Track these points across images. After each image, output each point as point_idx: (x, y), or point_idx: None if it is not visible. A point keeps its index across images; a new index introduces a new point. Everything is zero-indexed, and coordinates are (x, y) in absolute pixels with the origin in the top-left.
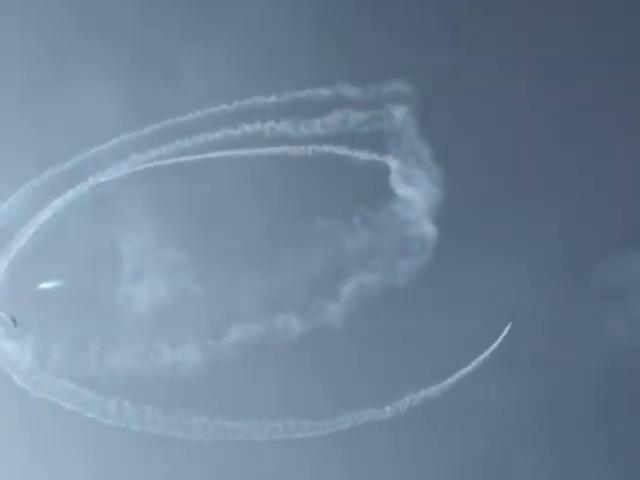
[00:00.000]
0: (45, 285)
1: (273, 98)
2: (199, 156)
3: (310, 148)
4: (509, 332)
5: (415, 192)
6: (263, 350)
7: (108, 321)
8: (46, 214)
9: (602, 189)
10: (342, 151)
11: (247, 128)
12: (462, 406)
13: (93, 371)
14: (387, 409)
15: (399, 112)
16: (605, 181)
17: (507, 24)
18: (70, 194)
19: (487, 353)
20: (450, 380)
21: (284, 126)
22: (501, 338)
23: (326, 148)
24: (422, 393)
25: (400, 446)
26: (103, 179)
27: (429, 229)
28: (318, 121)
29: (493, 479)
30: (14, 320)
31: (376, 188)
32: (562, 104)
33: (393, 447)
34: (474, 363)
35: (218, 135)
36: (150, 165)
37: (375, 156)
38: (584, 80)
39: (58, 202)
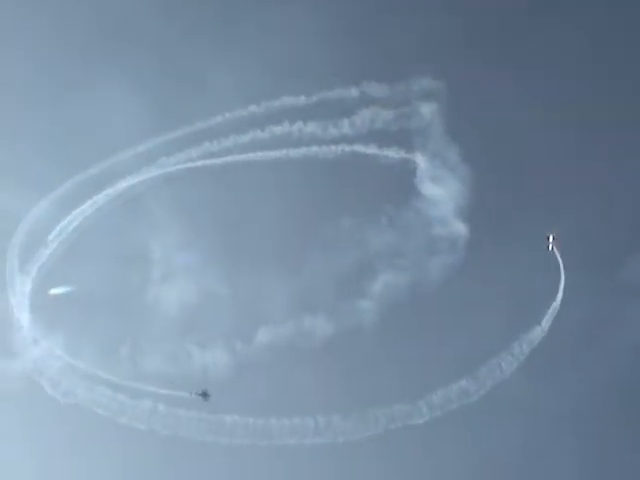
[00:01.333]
0: (56, 291)
1: (302, 98)
2: (227, 158)
3: (338, 148)
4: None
5: (443, 190)
6: (292, 351)
7: (139, 323)
8: (76, 217)
9: (630, 188)
10: (370, 150)
11: (276, 130)
12: (497, 405)
13: (125, 373)
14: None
15: (427, 109)
16: (634, 180)
17: (541, 23)
18: (99, 198)
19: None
20: (482, 378)
21: (312, 127)
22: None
23: (354, 148)
24: (454, 389)
25: (432, 446)
26: None
27: (458, 227)
28: (346, 121)
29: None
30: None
31: (404, 186)
32: (594, 104)
33: (426, 446)
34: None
35: (246, 138)
36: (179, 168)
37: (403, 154)
38: (615, 82)
39: (87, 206)
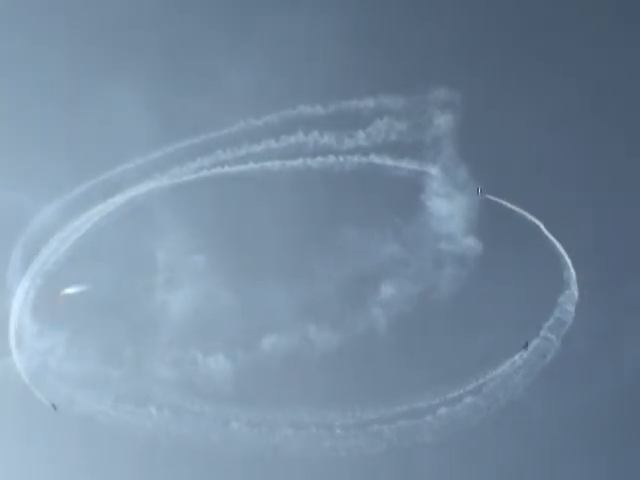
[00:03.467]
0: (70, 291)
1: (318, 108)
2: (239, 167)
3: (350, 159)
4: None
5: (454, 203)
6: (295, 360)
7: (143, 328)
8: (84, 221)
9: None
10: (383, 161)
11: (288, 139)
12: (506, 419)
13: (127, 377)
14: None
15: (443, 121)
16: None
17: (564, 36)
18: (108, 203)
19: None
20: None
21: (326, 137)
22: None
23: (367, 159)
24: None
25: (440, 462)
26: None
27: (468, 242)
28: (360, 131)
29: None
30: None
31: (415, 198)
32: (616, 121)
33: (434, 462)
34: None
35: (259, 147)
36: (190, 176)
37: (416, 165)
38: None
39: (96, 210)
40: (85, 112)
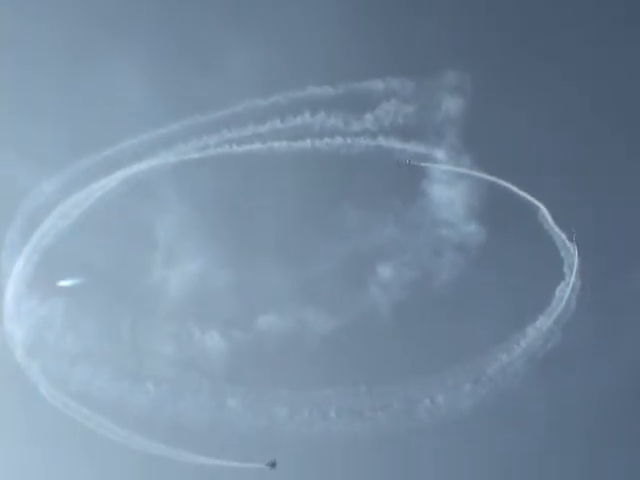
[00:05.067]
0: (65, 283)
1: (327, 89)
2: (242, 147)
3: (356, 141)
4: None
5: (458, 187)
6: (291, 341)
7: (141, 302)
8: (85, 195)
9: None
10: (390, 144)
11: (294, 120)
12: (506, 409)
13: (123, 353)
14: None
15: (452, 104)
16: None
17: (576, 20)
18: (110, 178)
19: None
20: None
21: (333, 118)
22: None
23: (373, 141)
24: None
25: (437, 449)
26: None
27: (470, 226)
28: (368, 114)
29: None
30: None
31: (419, 181)
32: (626, 110)
33: (429, 449)
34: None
35: (264, 127)
36: (193, 154)
37: (422, 148)
38: None
39: (98, 185)
40: (90, 89)
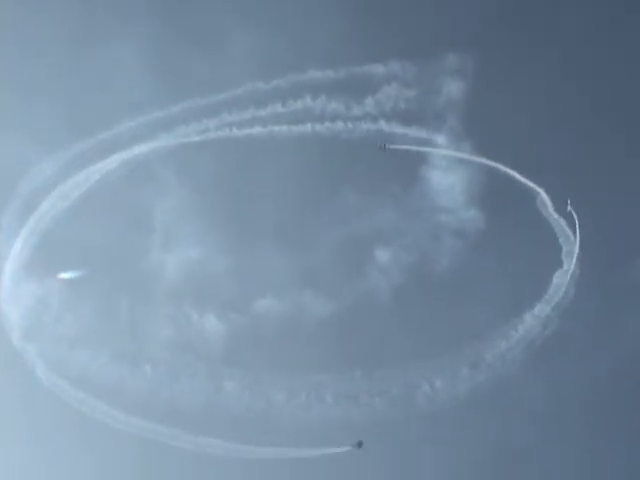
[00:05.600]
0: (65, 275)
1: (329, 72)
2: (242, 131)
3: (357, 125)
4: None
5: (458, 173)
6: (288, 325)
7: (139, 286)
8: (84, 177)
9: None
10: (390, 128)
11: (294, 104)
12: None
13: (124, 333)
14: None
15: (454, 88)
16: None
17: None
18: (109, 160)
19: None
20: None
21: (333, 103)
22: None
23: (374, 125)
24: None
25: (433, 436)
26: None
27: (470, 213)
28: (369, 98)
29: None
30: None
31: (418, 166)
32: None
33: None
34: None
35: (265, 111)
36: (193, 137)
37: (423, 133)
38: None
39: (96, 167)
40: (89, 70)
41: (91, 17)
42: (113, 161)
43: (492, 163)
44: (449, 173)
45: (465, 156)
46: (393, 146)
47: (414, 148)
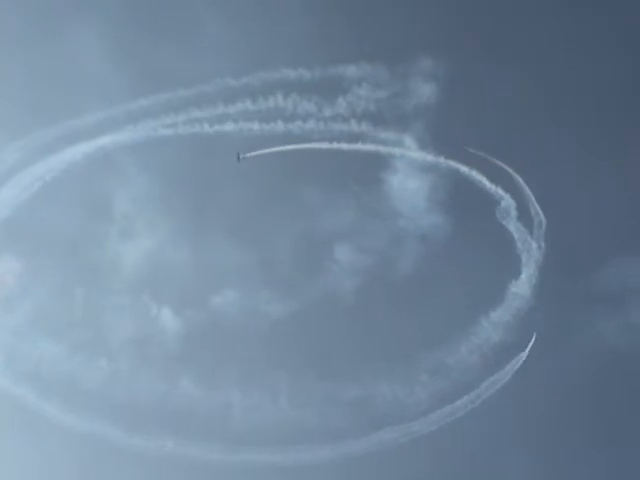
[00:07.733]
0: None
1: (302, 71)
2: (209, 127)
3: (327, 125)
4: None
5: (425, 174)
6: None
7: (96, 276)
8: (46, 165)
9: (603, 195)
10: (361, 129)
11: (266, 103)
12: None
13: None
14: None
15: (424, 90)
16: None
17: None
18: (72, 150)
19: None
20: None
21: (305, 104)
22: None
23: (343, 126)
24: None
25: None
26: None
27: (434, 218)
28: (340, 98)
29: None
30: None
31: (384, 168)
32: (599, 100)
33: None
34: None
35: (235, 108)
36: (159, 131)
37: (392, 134)
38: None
39: (59, 156)
40: (55, 61)
41: (59, 5)
42: (75, 151)
43: (458, 166)
44: (415, 175)
45: (430, 158)
46: (250, 154)
47: (403, 152)
